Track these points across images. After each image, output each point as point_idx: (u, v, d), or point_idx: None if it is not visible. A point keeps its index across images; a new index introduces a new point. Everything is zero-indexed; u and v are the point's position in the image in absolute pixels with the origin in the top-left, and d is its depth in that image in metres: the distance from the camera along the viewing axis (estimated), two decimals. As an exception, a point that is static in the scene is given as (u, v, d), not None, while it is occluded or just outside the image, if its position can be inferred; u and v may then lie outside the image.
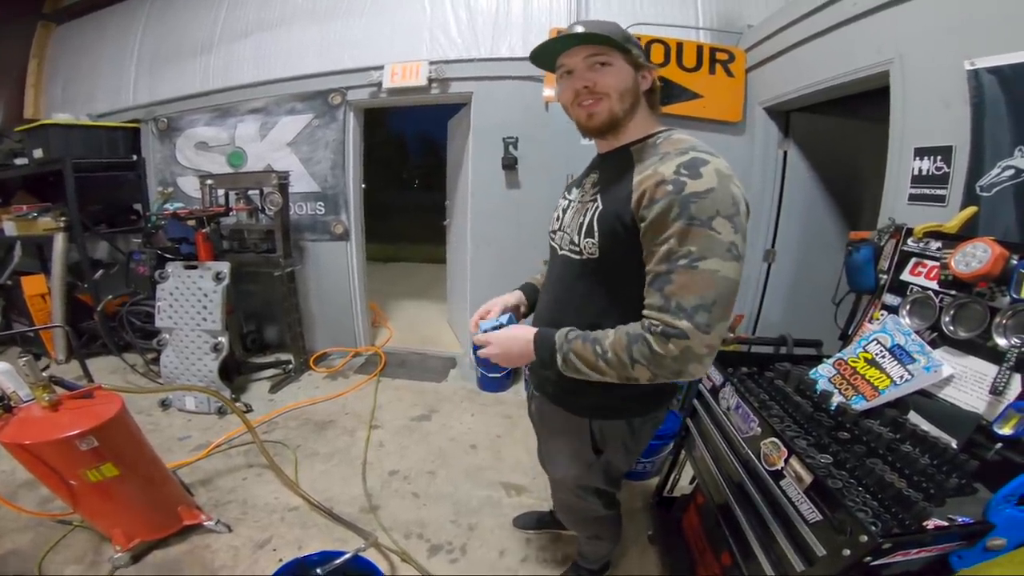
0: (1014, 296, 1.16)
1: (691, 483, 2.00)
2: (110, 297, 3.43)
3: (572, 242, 1.07)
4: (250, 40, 3.84)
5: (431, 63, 3.26)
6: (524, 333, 1.07)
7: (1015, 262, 1.18)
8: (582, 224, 1.04)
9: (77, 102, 4.31)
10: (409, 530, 2.02)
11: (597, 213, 1.01)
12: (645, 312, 0.92)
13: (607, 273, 1.03)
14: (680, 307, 0.85)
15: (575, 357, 0.97)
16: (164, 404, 2.99)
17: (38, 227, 3.63)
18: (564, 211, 1.19)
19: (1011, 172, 1.42)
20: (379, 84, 3.36)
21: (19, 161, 3.75)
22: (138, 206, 4.14)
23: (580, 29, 0.99)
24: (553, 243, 1.21)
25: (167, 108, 3.99)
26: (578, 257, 1.06)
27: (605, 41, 0.98)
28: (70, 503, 1.67)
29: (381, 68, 3.34)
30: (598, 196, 1.03)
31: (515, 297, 1.38)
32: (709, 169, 0.87)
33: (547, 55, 1.06)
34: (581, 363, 0.97)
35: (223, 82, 3.84)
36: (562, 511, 1.57)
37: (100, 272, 3.82)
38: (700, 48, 3.03)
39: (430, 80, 3.27)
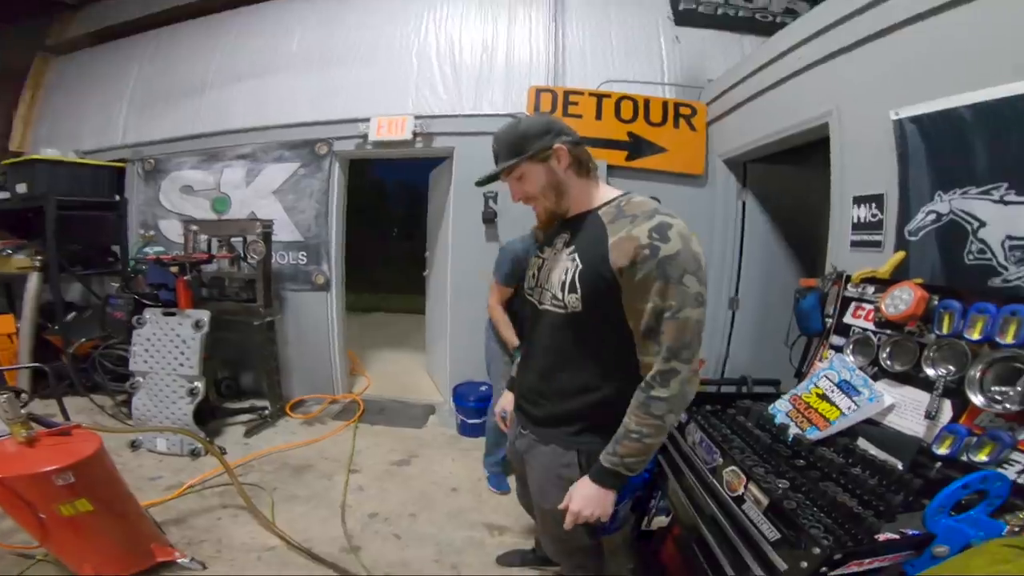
0: (938, 333, 1.32)
1: (667, 516, 2.06)
2: (83, 340, 3.38)
3: (555, 297, 1.20)
4: (242, 85, 3.96)
5: (416, 117, 3.45)
6: (587, 489, 1.18)
7: (936, 303, 1.34)
8: (564, 282, 1.17)
9: (64, 137, 4.31)
10: (392, 570, 2.00)
11: (578, 272, 1.15)
12: (643, 362, 1.11)
13: (587, 323, 1.17)
14: (670, 350, 1.05)
15: (631, 459, 1.11)
16: (134, 445, 2.91)
17: (11, 265, 3.57)
18: (539, 269, 1.32)
19: (933, 216, 1.58)
20: (365, 136, 3.52)
21: (0, 195, 3.69)
22: (116, 248, 4.11)
23: (494, 147, 1.23)
24: (532, 299, 1.33)
25: (155, 149, 4.04)
26: (562, 311, 1.18)
27: (505, 168, 1.19)
28: (38, 537, 1.65)
29: (368, 120, 3.50)
30: (575, 256, 1.17)
31: (508, 396, 1.60)
32: (674, 232, 1.04)
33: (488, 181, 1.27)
34: (637, 458, 1.12)
35: (213, 126, 3.93)
36: (550, 543, 1.59)
37: (72, 315, 3.75)
38: (665, 104, 3.30)
39: (415, 134, 3.44)
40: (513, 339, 2.33)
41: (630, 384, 1.12)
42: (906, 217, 1.68)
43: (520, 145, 1.16)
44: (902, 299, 1.40)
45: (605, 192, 1.23)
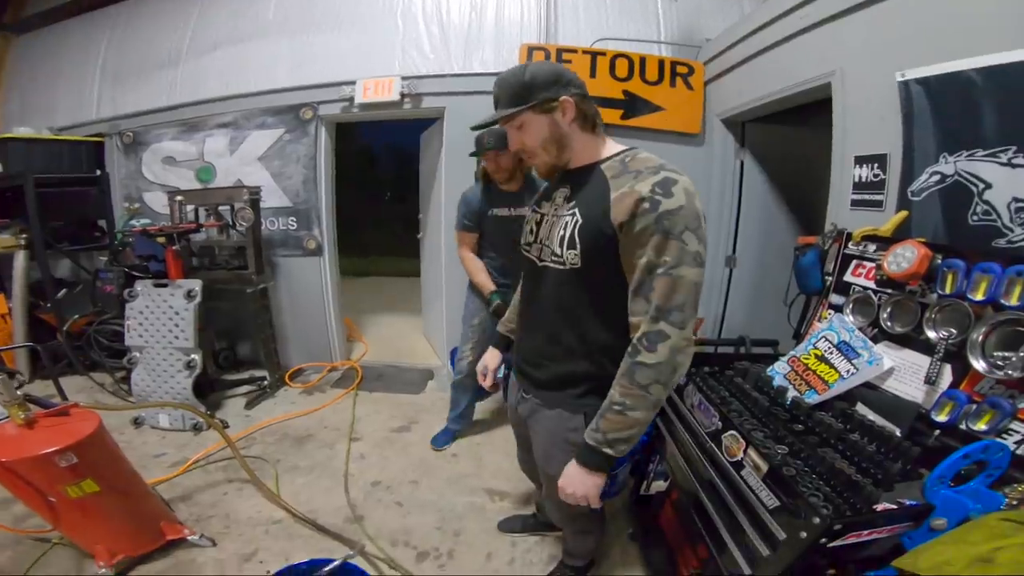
0: (940, 292, 1.30)
1: (665, 480, 2.09)
2: (76, 317, 3.35)
3: (555, 253, 1.15)
4: (219, 53, 3.80)
5: (403, 78, 3.31)
6: (571, 468, 1.15)
7: (939, 261, 1.32)
8: (563, 237, 1.12)
9: (36, 115, 4.16)
10: (395, 538, 2.05)
11: (578, 227, 1.10)
12: (632, 322, 1.06)
13: (589, 279, 1.13)
14: (659, 309, 0.99)
15: (614, 435, 1.06)
16: (136, 422, 2.93)
17: (-4, 245, 3.51)
18: (537, 224, 1.26)
19: (937, 177, 1.55)
20: (351, 99, 3.39)
21: (-25, 176, 3.59)
22: (102, 222, 4.01)
23: (494, 91, 1.15)
24: (530, 255, 1.28)
25: (132, 122, 3.91)
26: (561, 267, 1.14)
27: (505, 116, 1.12)
28: (50, 520, 1.66)
29: (353, 83, 3.37)
30: (576, 210, 1.11)
31: (494, 354, 1.62)
32: (679, 188, 0.99)
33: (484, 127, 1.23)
34: (620, 434, 1.06)
35: (191, 96, 3.79)
36: (555, 509, 1.61)
37: (63, 291, 3.70)
38: (662, 62, 3.17)
39: (403, 95, 3.32)
40: (488, 284, 2.38)
41: None
42: (909, 178, 1.65)
43: (524, 93, 1.09)
44: (905, 257, 1.37)
45: (610, 147, 1.18)
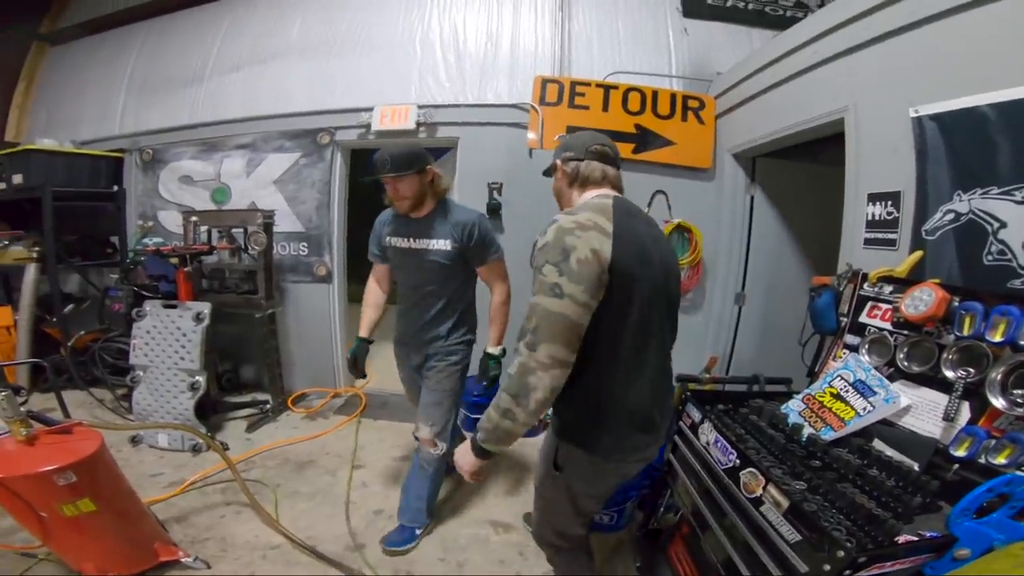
0: (957, 334, 1.30)
1: (675, 515, 2.05)
2: (82, 333, 3.34)
3: None
4: (241, 74, 3.91)
5: (420, 107, 3.40)
6: (463, 447, 1.29)
7: (956, 304, 1.32)
8: None
9: (61, 127, 4.26)
10: (397, 568, 1.99)
11: None
12: None
13: None
14: (521, 330, 1.13)
15: (481, 425, 1.19)
16: (135, 440, 2.89)
17: (8, 256, 3.52)
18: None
19: (951, 216, 1.56)
20: (368, 125, 3.47)
21: (-3, 184, 3.63)
22: (115, 239, 4.05)
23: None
24: None
25: (153, 139, 3.98)
26: None
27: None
28: (40, 536, 1.62)
29: (371, 110, 3.45)
30: None
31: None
32: (553, 226, 1.13)
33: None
34: (483, 425, 1.19)
35: (212, 115, 3.88)
36: (535, 530, 1.63)
37: (71, 306, 3.71)
38: (673, 96, 3.26)
39: (418, 124, 3.39)
40: (362, 326, 2.29)
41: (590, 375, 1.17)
42: (923, 216, 1.66)
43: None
44: (923, 300, 1.38)
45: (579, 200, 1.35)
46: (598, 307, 1.10)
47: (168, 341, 2.95)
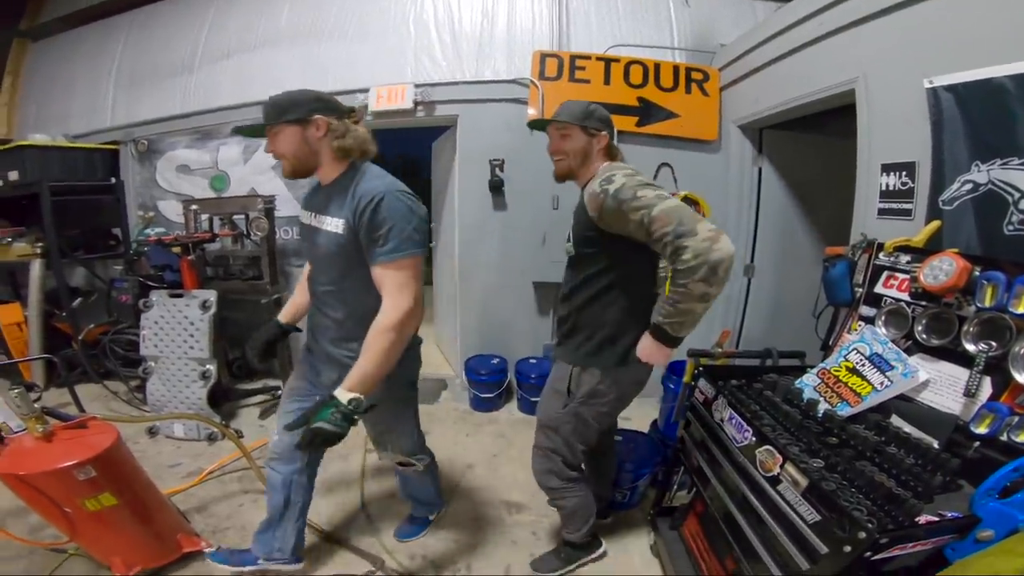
0: (979, 305, 1.26)
1: (688, 492, 2.06)
2: (92, 326, 3.36)
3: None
4: (232, 61, 3.83)
5: (416, 86, 3.31)
6: (646, 340, 1.45)
7: (978, 274, 1.28)
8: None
9: (52, 122, 4.21)
10: (413, 551, 2.02)
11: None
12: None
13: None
14: (667, 237, 1.24)
15: (676, 315, 1.31)
16: (151, 432, 2.93)
17: (12, 253, 3.52)
18: None
19: (970, 186, 1.52)
20: (365, 107, 3.39)
21: (-8, 182, 3.61)
22: (117, 231, 4.04)
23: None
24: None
25: (146, 129, 3.94)
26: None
27: (555, 121, 1.54)
28: (67, 532, 1.64)
29: (367, 91, 3.37)
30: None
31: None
32: (616, 175, 1.37)
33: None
34: (682, 314, 1.30)
35: (204, 103, 3.81)
36: (535, 462, 1.77)
37: (79, 300, 3.72)
38: (676, 68, 3.16)
39: (416, 103, 3.31)
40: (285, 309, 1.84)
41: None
42: (939, 186, 1.62)
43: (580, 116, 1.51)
44: (943, 269, 1.33)
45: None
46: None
47: (176, 331, 2.96)
